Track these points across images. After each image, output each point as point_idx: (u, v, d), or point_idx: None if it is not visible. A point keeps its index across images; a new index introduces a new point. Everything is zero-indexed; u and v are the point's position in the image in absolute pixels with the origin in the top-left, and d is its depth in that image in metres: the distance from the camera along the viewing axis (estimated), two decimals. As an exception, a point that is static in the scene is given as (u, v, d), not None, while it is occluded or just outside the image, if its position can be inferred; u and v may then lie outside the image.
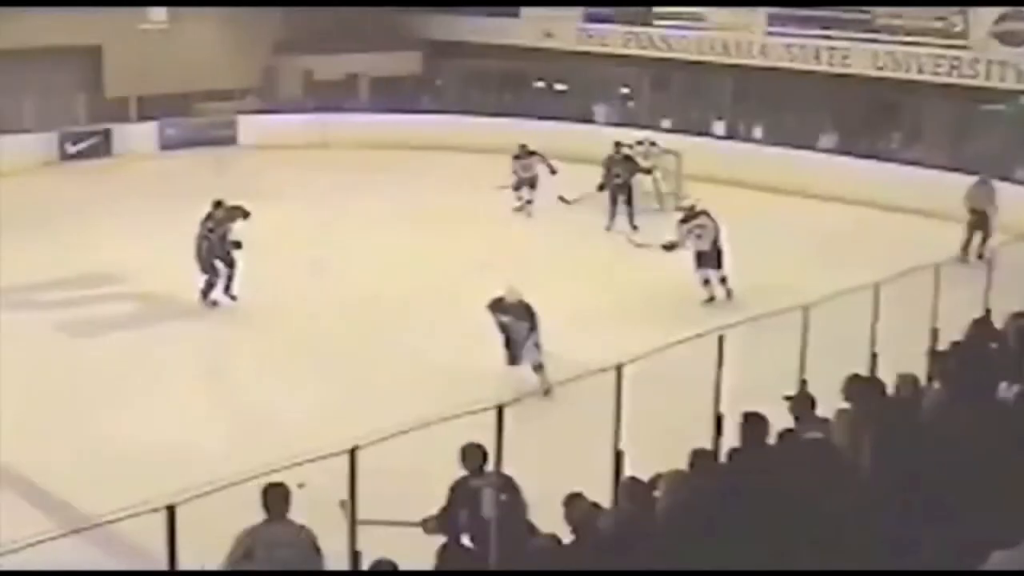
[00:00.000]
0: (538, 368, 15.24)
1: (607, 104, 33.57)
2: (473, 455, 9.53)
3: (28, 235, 23.05)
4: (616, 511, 8.59)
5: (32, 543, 7.45)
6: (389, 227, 23.37)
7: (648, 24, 32.31)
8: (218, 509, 7.91)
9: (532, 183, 24.97)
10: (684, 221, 19.45)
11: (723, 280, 19.28)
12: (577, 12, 33.62)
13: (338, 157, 30.86)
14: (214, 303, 18.95)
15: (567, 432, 12.90)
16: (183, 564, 7.71)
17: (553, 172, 24.90)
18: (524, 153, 25.17)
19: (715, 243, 19.17)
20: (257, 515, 8.75)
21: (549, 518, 8.43)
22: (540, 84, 34.78)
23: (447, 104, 34.24)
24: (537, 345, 15.28)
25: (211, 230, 18.89)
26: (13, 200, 26.35)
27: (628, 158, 24.53)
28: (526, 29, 34.38)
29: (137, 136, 32.41)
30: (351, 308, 18.64)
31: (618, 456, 10.03)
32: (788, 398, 10.22)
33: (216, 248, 18.92)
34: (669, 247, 19.26)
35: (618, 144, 24.58)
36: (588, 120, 32.51)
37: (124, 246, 22.07)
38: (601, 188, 24.09)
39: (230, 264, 19.02)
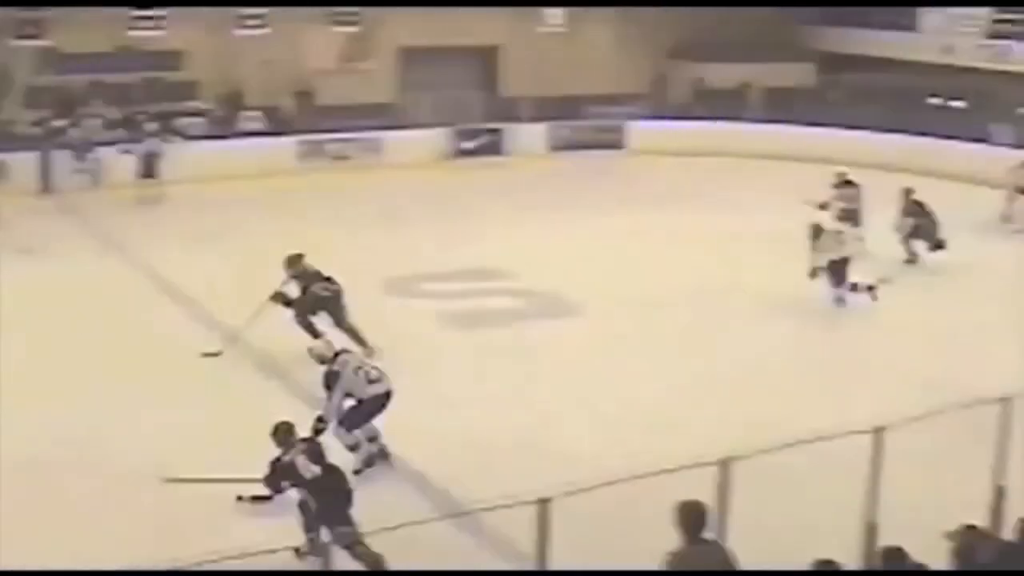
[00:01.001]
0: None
1: (1008, 124, 32.19)
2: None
3: (421, 227, 23.89)
4: (998, 543, 8.26)
5: (405, 524, 7.68)
6: (769, 240, 23.02)
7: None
8: (592, 507, 7.94)
9: (855, 217, 22.17)
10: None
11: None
12: (980, 28, 32.48)
13: (727, 166, 30.66)
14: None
15: (947, 460, 12.41)
16: (552, 561, 7.77)
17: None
18: (844, 183, 22.76)
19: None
20: (629, 516, 8.71)
21: (922, 544, 8.13)
22: (936, 101, 33.64)
23: (839, 118, 33.47)
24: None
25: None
26: (409, 192, 27.49)
27: (919, 203, 21.99)
28: (924, 44, 33.42)
29: (528, 136, 32.99)
30: (723, 317, 18.51)
31: (1000, 491, 9.65)
32: None
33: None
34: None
35: (908, 190, 22.22)
36: (985, 140, 31.26)
37: (510, 243, 22.54)
38: (933, 243, 21.65)
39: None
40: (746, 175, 29.80)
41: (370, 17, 32.27)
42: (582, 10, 34.35)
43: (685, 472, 8.14)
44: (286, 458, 10.77)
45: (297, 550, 10.42)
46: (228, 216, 24.66)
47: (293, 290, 16.57)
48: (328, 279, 16.57)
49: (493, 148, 32.72)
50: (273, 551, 8.53)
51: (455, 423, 13.93)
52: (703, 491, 8.18)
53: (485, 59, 34.61)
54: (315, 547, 10.21)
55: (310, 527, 10.56)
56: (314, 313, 16.48)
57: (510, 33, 33.95)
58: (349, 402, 12.65)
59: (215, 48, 30.79)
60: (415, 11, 31.64)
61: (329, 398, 12.54)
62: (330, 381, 12.61)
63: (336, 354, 12.95)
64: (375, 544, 9.70)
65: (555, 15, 34.55)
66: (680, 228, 23.89)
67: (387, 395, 12.78)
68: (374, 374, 12.82)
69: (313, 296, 16.43)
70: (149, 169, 26.94)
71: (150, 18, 30.12)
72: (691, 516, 8.10)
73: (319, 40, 31.91)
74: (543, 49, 33.94)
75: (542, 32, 34.35)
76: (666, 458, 8.24)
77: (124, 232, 23.41)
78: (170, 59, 30.64)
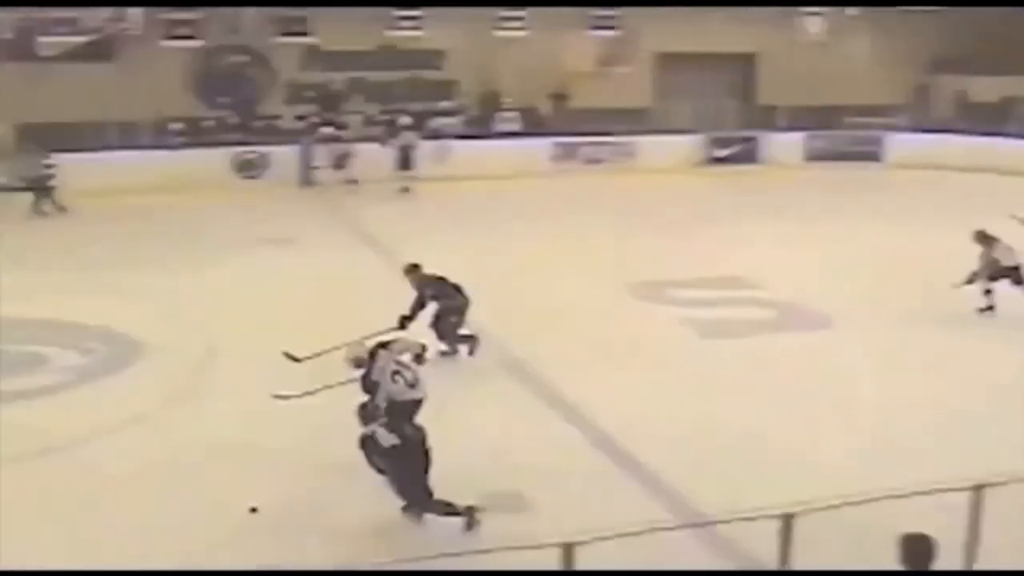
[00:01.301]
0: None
1: None
2: None
3: (671, 233, 23.80)
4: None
5: (644, 530, 7.62)
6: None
7: None
8: (836, 525, 7.78)
9: None
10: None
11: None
12: None
13: (987, 183, 29.75)
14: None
15: None
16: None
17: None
18: None
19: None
20: (876, 538, 8.49)
21: None
22: None
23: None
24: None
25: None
26: (661, 198, 27.51)
27: None
28: None
29: (783, 145, 32.67)
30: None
31: None
32: None
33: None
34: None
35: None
36: None
37: (762, 253, 22.27)
38: None
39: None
40: (1007, 192, 28.85)
41: (629, 22, 32.31)
42: (841, 20, 33.84)
43: (939, 496, 7.90)
44: (367, 431, 11.19)
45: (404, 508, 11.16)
46: (480, 215, 24.99)
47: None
48: (455, 287, 16.15)
49: (748, 156, 32.53)
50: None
51: (698, 431, 13.82)
52: (956, 517, 7.94)
53: (742, 67, 34.41)
54: (412, 512, 11.08)
55: (403, 494, 11.10)
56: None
57: (768, 41, 33.67)
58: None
59: (474, 49, 31.25)
60: (675, 14, 31.58)
61: (372, 403, 12.24)
62: (370, 388, 12.29)
63: (372, 356, 12.47)
64: (610, 549, 9.66)
65: (814, 23, 34.11)
66: (934, 244, 23.27)
67: (419, 402, 12.37)
68: (411, 378, 12.41)
69: (455, 304, 16.05)
70: (406, 162, 27.70)
71: (412, 18, 30.69)
72: (914, 551, 7.57)
73: (577, 44, 32.08)
74: (801, 58, 33.53)
75: (800, 41, 33.94)
76: (918, 480, 8.01)
77: (379, 226, 23.96)
78: (430, 58, 31.28)
